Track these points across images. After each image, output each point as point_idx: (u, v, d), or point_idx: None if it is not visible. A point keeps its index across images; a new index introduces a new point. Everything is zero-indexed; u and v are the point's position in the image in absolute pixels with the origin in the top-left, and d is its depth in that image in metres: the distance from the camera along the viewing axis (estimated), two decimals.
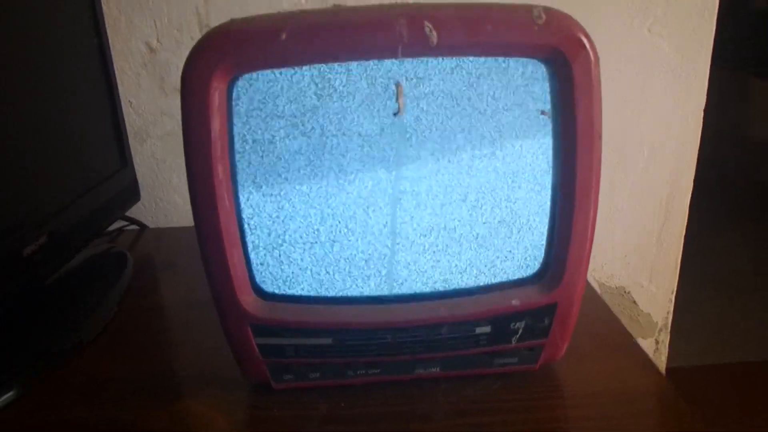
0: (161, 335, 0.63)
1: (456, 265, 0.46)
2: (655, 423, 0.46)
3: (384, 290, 0.46)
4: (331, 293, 0.46)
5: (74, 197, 0.68)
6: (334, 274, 0.46)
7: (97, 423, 0.48)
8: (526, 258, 0.47)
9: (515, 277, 0.47)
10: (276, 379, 0.49)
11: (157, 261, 0.83)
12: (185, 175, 0.42)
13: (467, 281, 0.47)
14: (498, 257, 0.46)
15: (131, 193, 0.85)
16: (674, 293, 1.12)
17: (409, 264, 0.46)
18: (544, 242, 0.46)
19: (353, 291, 0.46)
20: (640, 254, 1.08)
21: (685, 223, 1.08)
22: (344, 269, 0.45)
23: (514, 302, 0.46)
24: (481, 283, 0.47)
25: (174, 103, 0.90)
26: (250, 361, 0.48)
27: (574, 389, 0.50)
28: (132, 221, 0.93)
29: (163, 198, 0.98)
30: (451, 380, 0.50)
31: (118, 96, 0.83)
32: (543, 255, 0.47)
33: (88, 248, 0.78)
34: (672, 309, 1.13)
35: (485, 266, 0.46)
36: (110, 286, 0.70)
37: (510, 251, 0.46)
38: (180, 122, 0.41)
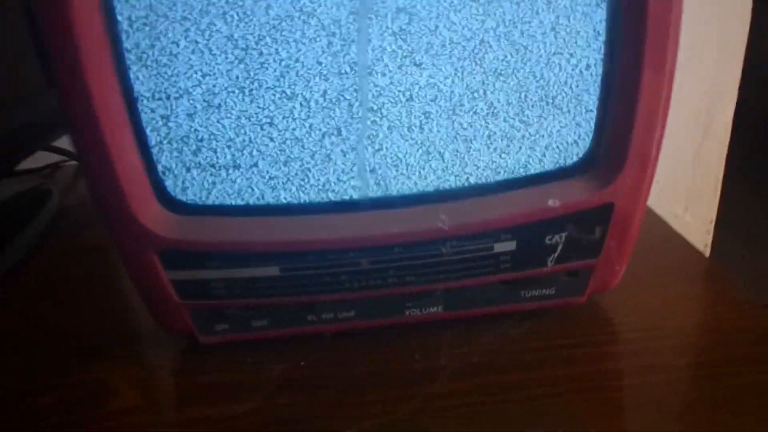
0: (81, 284, 0.47)
1: (464, 151, 0.30)
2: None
3: (354, 191, 0.31)
4: (276, 198, 0.31)
5: None
6: (275, 170, 0.30)
7: None
8: (568, 138, 0.31)
9: (552, 167, 0.31)
10: (204, 331, 0.34)
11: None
12: None
13: (480, 174, 0.31)
14: (527, 137, 0.30)
15: (59, 119, 0.69)
16: (713, 223, 0.97)
17: (391, 150, 0.30)
18: (594, 113, 0.31)
19: (308, 193, 0.31)
20: (675, 178, 0.93)
21: (728, 142, 0.92)
22: (291, 161, 0.30)
23: (552, 203, 0.31)
24: (502, 177, 0.31)
25: None
26: (165, 307, 0.33)
27: (637, 329, 0.35)
28: (69, 155, 0.77)
29: None
30: (460, 324, 0.35)
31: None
32: (594, 133, 0.31)
33: (11, 185, 0.63)
34: (710, 242, 0.98)
35: (508, 151, 0.30)
36: (22, 225, 0.55)
37: (544, 128, 0.30)
38: None
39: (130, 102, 0.28)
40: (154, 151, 0.29)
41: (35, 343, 0.37)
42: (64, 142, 0.72)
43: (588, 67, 0.30)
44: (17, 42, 0.61)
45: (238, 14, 0.27)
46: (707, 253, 0.98)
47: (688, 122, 0.88)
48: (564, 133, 0.31)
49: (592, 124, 0.31)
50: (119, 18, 0.26)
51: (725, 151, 0.93)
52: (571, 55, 0.29)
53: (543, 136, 0.30)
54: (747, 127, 0.98)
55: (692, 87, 0.86)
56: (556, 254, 0.33)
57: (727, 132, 0.91)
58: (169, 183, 0.30)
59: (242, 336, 0.34)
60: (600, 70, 0.30)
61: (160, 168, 0.30)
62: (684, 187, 0.94)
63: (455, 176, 0.31)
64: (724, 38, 0.84)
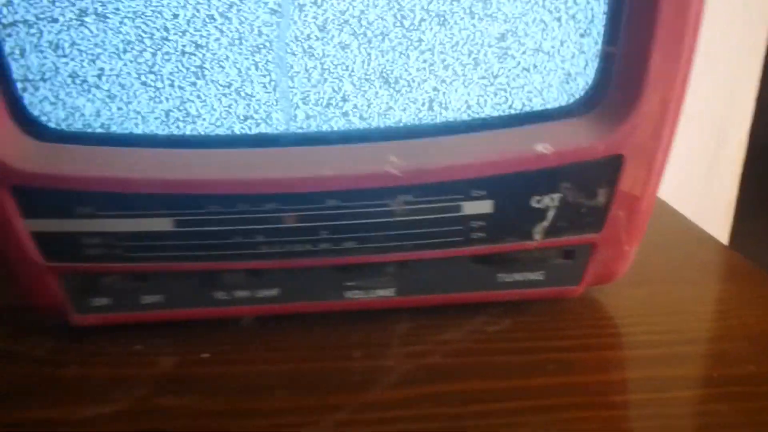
0: None
1: (426, 73, 0.22)
2: None
3: (274, 122, 0.23)
4: (169, 126, 0.23)
5: None
6: (170, 89, 0.22)
7: None
8: (566, 63, 0.23)
9: (544, 102, 0.24)
10: (79, 307, 0.26)
11: None
12: None
13: (447, 106, 0.23)
14: (512, 58, 0.23)
15: None
16: (727, 244, 0.89)
17: (327, 64, 0.22)
18: (600, 35, 0.23)
19: (211, 122, 0.23)
20: (684, 198, 0.85)
21: (743, 160, 0.86)
22: (193, 78, 0.22)
23: (542, 149, 0.23)
24: (476, 111, 0.23)
25: None
26: (27, 271, 0.25)
27: (648, 331, 0.26)
28: None
29: None
30: (419, 315, 0.27)
31: None
32: (600, 59, 0.23)
33: None
34: None
35: (486, 77, 0.23)
36: None
37: (537, 48, 0.23)
38: None
39: None
40: (10, 55, 0.22)
41: None
42: None
43: None
44: None
45: None
46: None
47: (700, 137, 0.82)
48: (562, 56, 0.23)
49: (599, 47, 0.23)
50: None
51: (740, 170, 0.86)
52: None
53: (534, 58, 0.23)
54: (764, 144, 0.91)
55: (709, 94, 0.79)
56: (545, 223, 0.25)
57: (742, 149, 0.85)
58: (28, 97, 0.22)
59: (128, 316, 0.26)
60: None
61: (17, 77, 0.22)
62: (693, 208, 0.86)
63: (413, 106, 0.23)
64: (741, 49, 0.78)
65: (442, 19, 0.22)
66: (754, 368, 0.23)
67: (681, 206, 0.87)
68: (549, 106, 0.24)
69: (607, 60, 0.23)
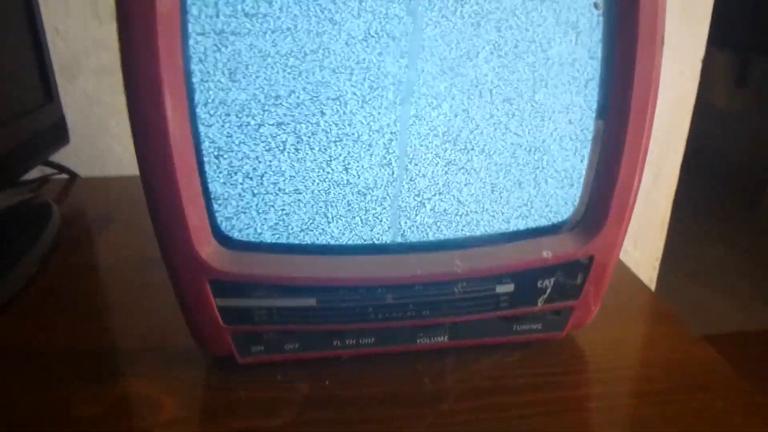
0: (97, 299, 0.51)
1: (477, 207, 0.36)
2: (713, 397, 0.38)
3: (385, 237, 0.36)
4: (317, 240, 0.36)
5: None
6: (320, 215, 0.35)
7: (14, 410, 0.36)
8: (560, 199, 0.38)
9: (546, 223, 0.38)
10: (242, 352, 0.39)
11: (92, 214, 0.71)
12: (124, 118, 0.31)
13: (490, 227, 0.37)
14: (528, 197, 0.37)
15: (57, 133, 0.72)
16: (659, 260, 1.06)
17: (420, 203, 0.36)
18: (582, 179, 0.37)
19: (345, 238, 0.36)
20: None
21: (675, 186, 1.02)
22: (335, 209, 0.35)
23: (546, 254, 0.37)
24: (507, 229, 0.37)
25: (111, 32, 0.75)
26: (210, 330, 0.37)
27: (606, 360, 0.42)
28: (61, 169, 0.79)
29: (98, 145, 0.84)
30: (460, 352, 0.41)
31: (40, 17, 0.68)
32: (580, 195, 0.38)
33: (3, 197, 0.65)
34: (656, 276, 1.08)
35: (512, 208, 0.37)
36: (31, 241, 0.57)
37: (542, 190, 0.37)
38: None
39: (198, 147, 0.33)
40: (216, 198, 0.34)
41: (60, 359, 0.41)
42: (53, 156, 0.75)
43: (578, 135, 0.36)
44: (19, 53, 0.64)
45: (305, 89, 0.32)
46: (653, 287, 1.08)
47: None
48: (559, 196, 0.37)
49: (581, 190, 0.38)
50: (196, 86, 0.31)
51: (673, 194, 1.02)
52: (570, 137, 0.36)
53: (541, 200, 0.37)
54: (695, 173, 1.07)
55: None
56: (545, 296, 0.39)
57: (675, 176, 1.00)
58: (225, 223, 0.35)
59: (275, 357, 0.39)
60: (590, 134, 0.36)
61: (219, 210, 0.35)
62: (634, 225, 1.02)
63: (469, 230, 0.37)
64: (676, 85, 0.93)
65: (506, 172, 0.36)
66: (665, 384, 0.39)
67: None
68: (548, 224, 0.38)
69: (585, 197, 0.37)
